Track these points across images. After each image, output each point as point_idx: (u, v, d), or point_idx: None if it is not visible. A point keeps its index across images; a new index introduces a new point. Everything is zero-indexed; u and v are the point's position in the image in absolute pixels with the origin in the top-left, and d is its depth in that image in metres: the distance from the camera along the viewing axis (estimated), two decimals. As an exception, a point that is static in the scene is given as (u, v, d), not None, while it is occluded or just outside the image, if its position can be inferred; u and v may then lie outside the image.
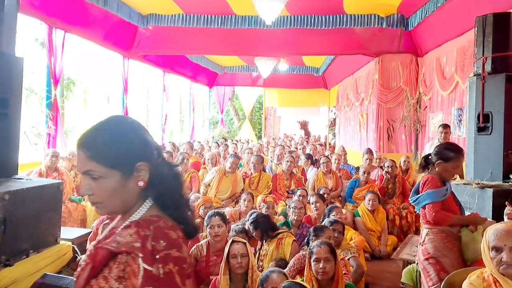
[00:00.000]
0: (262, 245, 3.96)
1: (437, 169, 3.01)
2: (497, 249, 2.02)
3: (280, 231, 3.96)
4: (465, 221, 2.97)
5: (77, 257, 3.67)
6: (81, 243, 4.17)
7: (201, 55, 12.54)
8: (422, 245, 2.99)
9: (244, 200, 5.21)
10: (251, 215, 4.09)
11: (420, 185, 3.04)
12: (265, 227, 3.91)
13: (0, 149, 3.41)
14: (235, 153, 7.83)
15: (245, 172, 6.60)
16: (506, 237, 2.01)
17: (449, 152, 3.02)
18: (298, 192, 5.41)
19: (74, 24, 6.96)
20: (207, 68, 13.74)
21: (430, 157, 3.11)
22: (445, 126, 6.15)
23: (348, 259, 3.82)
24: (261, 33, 8.78)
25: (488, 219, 3.09)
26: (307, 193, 5.61)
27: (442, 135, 6.02)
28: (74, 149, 6.55)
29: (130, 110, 9.65)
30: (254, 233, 3.96)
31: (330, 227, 3.90)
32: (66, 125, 11.47)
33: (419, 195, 2.99)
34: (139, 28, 8.88)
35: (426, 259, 2.92)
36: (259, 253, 3.89)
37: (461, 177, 4.49)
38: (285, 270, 3.35)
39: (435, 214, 2.87)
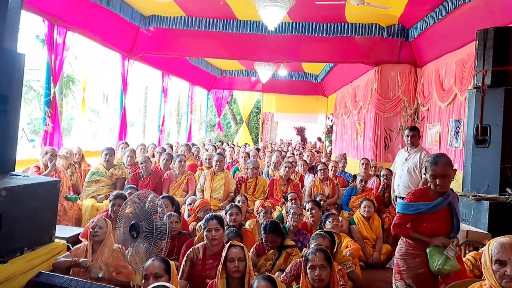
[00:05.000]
0: (278, 255, 3.86)
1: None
2: (501, 263, 2.01)
3: (289, 244, 3.94)
4: (426, 240, 2.88)
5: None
6: (75, 242, 4.15)
7: (201, 58, 12.56)
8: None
9: (238, 202, 5.25)
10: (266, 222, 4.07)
11: None
12: (282, 234, 3.92)
13: (-2, 145, 3.39)
14: (220, 152, 7.84)
15: (241, 177, 6.58)
16: (511, 250, 2.02)
17: (427, 163, 2.98)
18: (289, 197, 5.48)
19: (76, 23, 6.94)
20: (206, 71, 13.75)
21: None
22: (412, 129, 5.14)
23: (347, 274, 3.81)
24: (262, 38, 8.82)
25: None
26: (299, 197, 5.61)
27: (409, 139, 5.03)
28: (71, 147, 6.53)
29: (128, 110, 9.64)
30: (271, 240, 3.86)
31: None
32: (64, 123, 11.41)
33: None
34: (140, 29, 8.88)
35: (396, 257, 3.07)
36: (274, 263, 3.81)
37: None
38: (281, 276, 3.35)
39: (394, 223, 3.02)
